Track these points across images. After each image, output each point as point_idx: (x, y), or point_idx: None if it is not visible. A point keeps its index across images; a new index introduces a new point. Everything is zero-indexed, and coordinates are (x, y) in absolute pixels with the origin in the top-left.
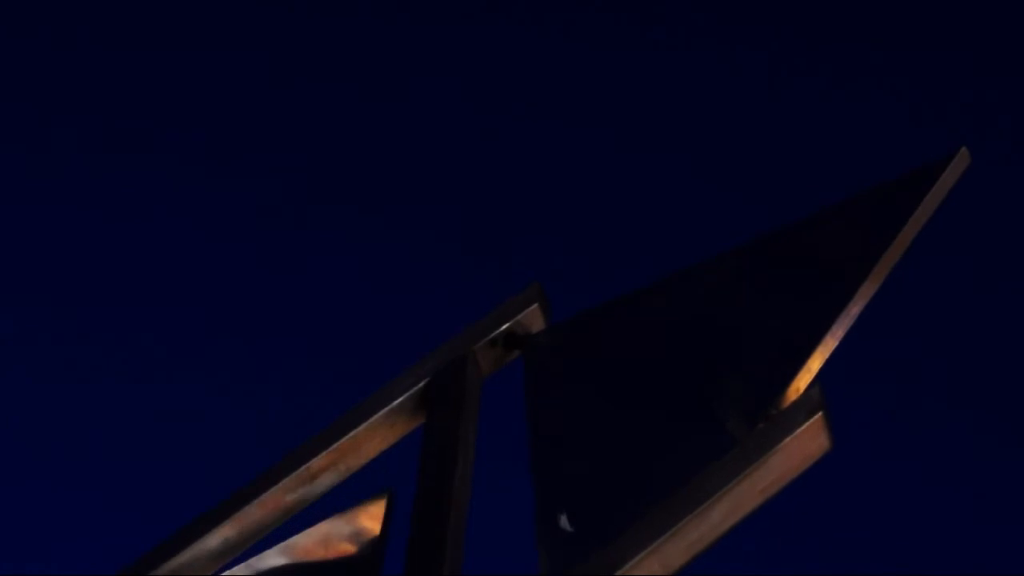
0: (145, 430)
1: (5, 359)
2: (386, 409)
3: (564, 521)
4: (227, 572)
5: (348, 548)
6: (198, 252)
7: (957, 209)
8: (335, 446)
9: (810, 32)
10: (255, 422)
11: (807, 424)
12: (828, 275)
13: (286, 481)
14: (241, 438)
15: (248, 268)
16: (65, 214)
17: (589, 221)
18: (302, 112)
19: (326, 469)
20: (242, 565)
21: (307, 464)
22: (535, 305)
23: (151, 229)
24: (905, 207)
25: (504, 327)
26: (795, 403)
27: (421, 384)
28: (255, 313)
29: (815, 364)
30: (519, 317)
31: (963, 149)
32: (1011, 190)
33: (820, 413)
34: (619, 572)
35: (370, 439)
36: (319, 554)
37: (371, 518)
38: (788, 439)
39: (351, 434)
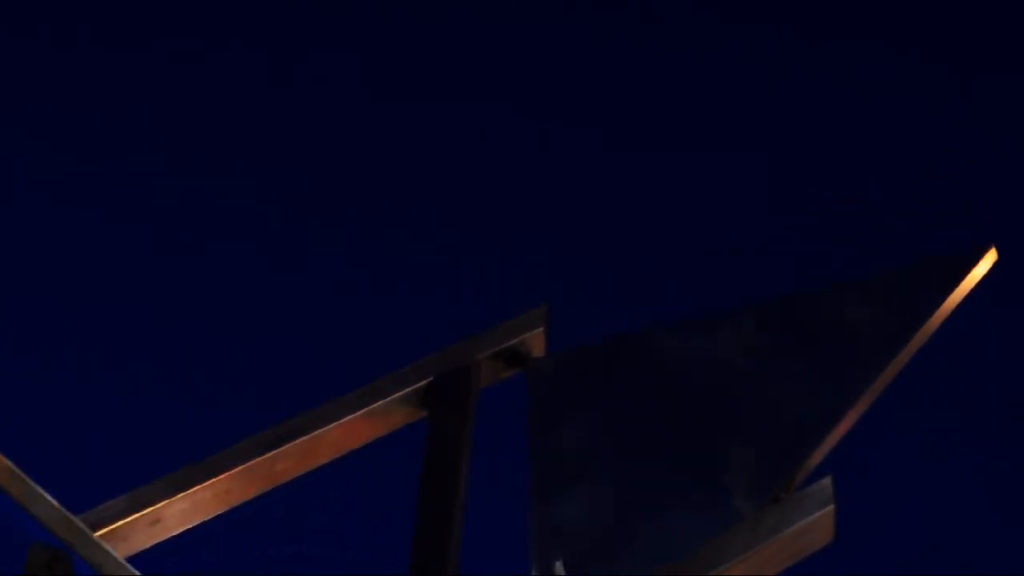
0: (144, 429)
1: (4, 358)
2: (387, 399)
3: (559, 568)
4: None
5: None
6: (200, 252)
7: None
8: (330, 427)
9: (810, 32)
10: (254, 422)
11: (817, 516)
12: (848, 357)
13: (279, 451)
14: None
15: (249, 268)
16: (65, 214)
17: (590, 221)
18: (306, 112)
19: (319, 446)
20: None
21: (304, 438)
22: (540, 328)
23: (151, 229)
24: (929, 302)
25: (509, 344)
26: (807, 492)
27: (424, 382)
28: (256, 313)
29: (829, 445)
30: (524, 337)
31: (992, 249)
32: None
33: (831, 507)
34: None
35: (366, 425)
36: None
37: None
38: (797, 526)
39: (348, 417)
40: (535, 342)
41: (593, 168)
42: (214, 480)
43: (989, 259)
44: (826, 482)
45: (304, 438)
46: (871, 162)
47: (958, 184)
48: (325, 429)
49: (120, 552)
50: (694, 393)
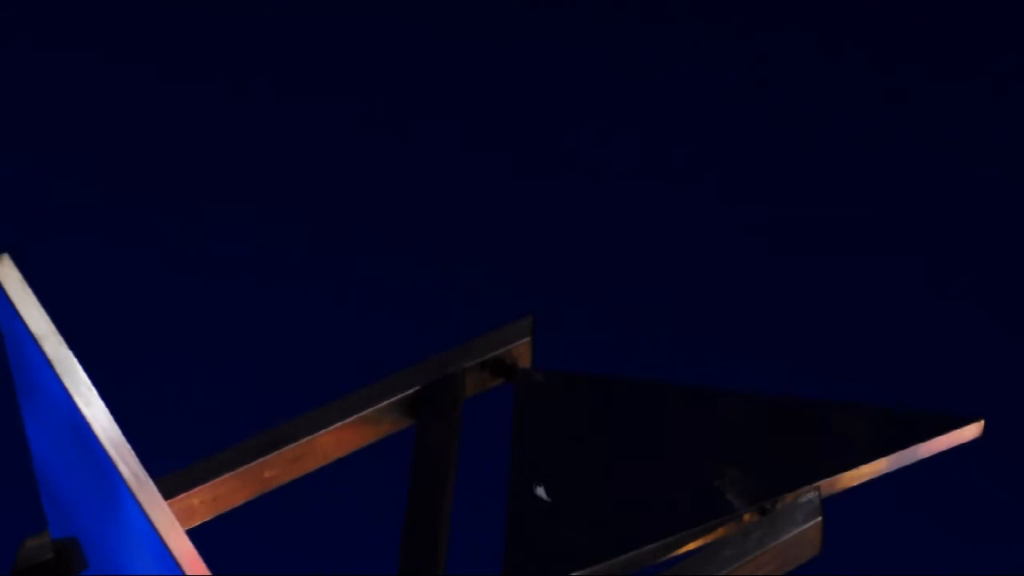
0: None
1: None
2: (375, 407)
3: (541, 491)
4: None
5: None
6: (192, 261)
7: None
8: (319, 434)
9: (808, 38)
10: (241, 432)
11: (804, 528)
12: (835, 452)
13: (268, 458)
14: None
15: (233, 278)
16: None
17: (583, 223)
18: (301, 127)
19: (307, 453)
20: None
21: (291, 445)
22: (527, 339)
23: (149, 242)
24: (905, 441)
25: (494, 354)
26: (794, 504)
27: (411, 391)
28: (244, 324)
29: (820, 490)
30: (510, 347)
31: (981, 421)
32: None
33: (819, 519)
34: None
35: (355, 433)
36: None
37: None
38: (784, 539)
39: (337, 424)
40: (522, 352)
41: (584, 170)
42: (201, 487)
43: (974, 430)
44: (813, 494)
45: (292, 445)
46: (869, 162)
47: (957, 184)
48: (313, 436)
49: None
50: (684, 434)
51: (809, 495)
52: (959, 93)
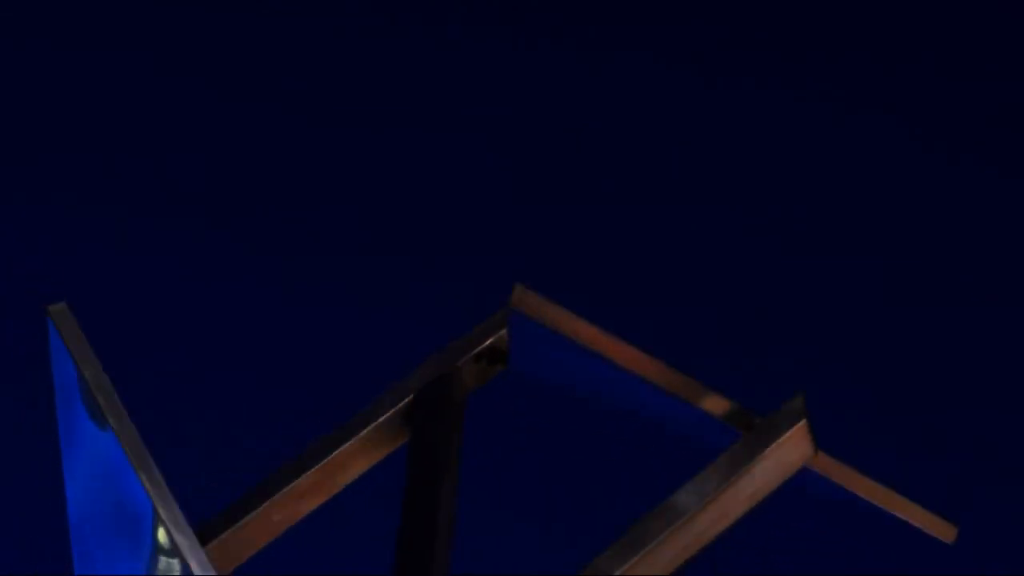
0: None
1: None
2: (371, 427)
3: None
4: None
5: None
6: (183, 269)
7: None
8: (321, 464)
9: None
10: (235, 443)
11: (790, 432)
12: None
13: (273, 500)
14: (218, 457)
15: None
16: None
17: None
18: (283, 131)
19: (313, 489)
20: None
21: (294, 483)
22: None
23: (138, 241)
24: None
25: (488, 342)
26: (778, 412)
27: (404, 401)
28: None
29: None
30: (502, 332)
31: (955, 529)
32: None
33: (803, 421)
34: None
35: (356, 457)
36: None
37: None
38: (772, 448)
39: (336, 452)
40: None
41: (570, 167)
42: (206, 546)
43: (947, 531)
44: (796, 401)
45: (295, 483)
46: (863, 164)
47: (947, 187)
48: (320, 466)
49: None
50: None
51: (792, 400)
52: (964, 92)
